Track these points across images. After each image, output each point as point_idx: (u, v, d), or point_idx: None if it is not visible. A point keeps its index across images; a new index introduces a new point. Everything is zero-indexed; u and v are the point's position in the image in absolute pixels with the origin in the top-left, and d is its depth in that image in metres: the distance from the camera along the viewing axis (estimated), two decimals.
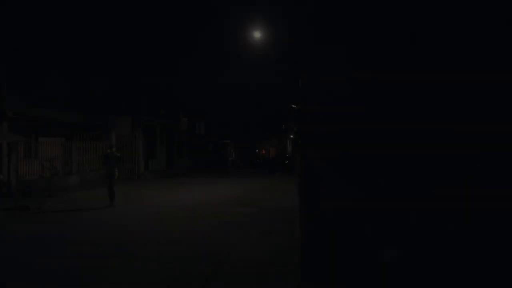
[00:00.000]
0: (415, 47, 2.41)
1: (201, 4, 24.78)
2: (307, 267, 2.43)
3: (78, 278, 5.38)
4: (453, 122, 2.30)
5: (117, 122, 20.24)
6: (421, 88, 2.36)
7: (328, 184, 2.34)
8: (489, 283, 2.15)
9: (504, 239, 2.15)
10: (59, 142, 16.11)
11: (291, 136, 40.34)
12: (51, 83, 17.19)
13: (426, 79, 2.34)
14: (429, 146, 2.34)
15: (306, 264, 2.44)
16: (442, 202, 2.25)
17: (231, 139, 42.19)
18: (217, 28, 31.09)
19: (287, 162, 33.32)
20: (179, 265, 5.85)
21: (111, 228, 8.53)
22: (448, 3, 2.42)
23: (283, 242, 7.17)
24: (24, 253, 6.64)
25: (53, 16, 15.98)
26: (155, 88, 24.66)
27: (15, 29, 14.32)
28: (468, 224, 2.20)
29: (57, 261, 6.12)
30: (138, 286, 5.14)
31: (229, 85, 31.41)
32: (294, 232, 7.57)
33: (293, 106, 26.39)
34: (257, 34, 16.83)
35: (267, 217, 9.86)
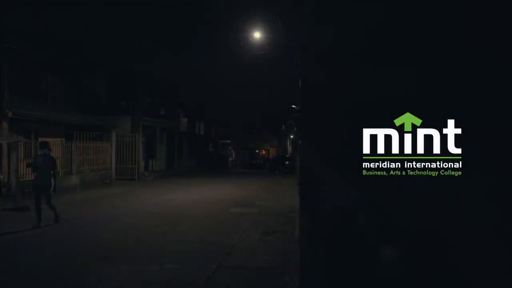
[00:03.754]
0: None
1: (201, 4, 24.81)
2: (306, 268, 2.43)
3: (77, 278, 5.38)
4: None
5: (117, 122, 20.24)
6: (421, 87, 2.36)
7: (328, 184, 2.34)
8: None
9: None
10: (59, 142, 16.08)
11: (291, 136, 40.35)
12: (52, 83, 17.20)
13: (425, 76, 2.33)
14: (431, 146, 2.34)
15: (306, 264, 2.44)
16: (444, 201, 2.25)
17: (231, 139, 42.21)
18: (217, 27, 31.11)
19: (287, 162, 33.38)
20: (179, 265, 5.85)
21: (111, 228, 8.51)
22: None
23: (283, 242, 7.17)
24: (24, 254, 6.63)
25: (53, 16, 15.98)
26: (155, 88, 24.66)
27: (15, 29, 14.31)
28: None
29: (57, 262, 6.11)
30: (138, 286, 5.13)
31: (230, 85, 31.46)
32: (294, 232, 7.57)
33: (293, 106, 26.39)
34: (257, 34, 16.85)
35: (267, 217, 9.86)
